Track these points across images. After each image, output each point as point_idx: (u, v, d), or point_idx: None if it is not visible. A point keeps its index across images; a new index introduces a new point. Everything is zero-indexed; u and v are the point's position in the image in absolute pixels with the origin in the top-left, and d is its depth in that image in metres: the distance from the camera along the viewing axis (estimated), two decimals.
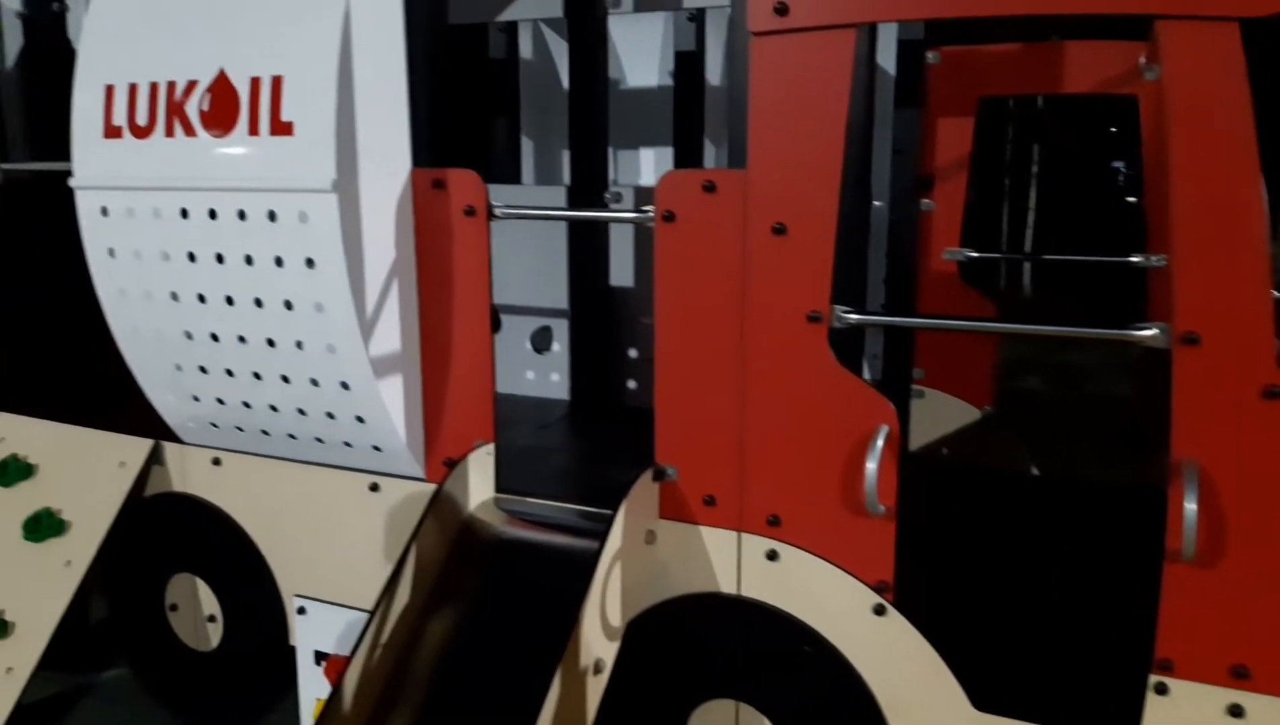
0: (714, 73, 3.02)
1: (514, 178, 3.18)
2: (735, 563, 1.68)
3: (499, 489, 1.87)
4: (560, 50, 3.20)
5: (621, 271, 2.58)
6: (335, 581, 2.03)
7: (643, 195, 2.59)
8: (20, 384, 2.44)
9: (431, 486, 1.89)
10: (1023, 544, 2.12)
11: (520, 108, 3.18)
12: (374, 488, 1.97)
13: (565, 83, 3.18)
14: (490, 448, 1.85)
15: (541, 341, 2.67)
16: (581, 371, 2.61)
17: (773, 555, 1.65)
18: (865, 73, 2.23)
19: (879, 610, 1.59)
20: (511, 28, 3.08)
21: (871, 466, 1.50)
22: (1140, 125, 2.44)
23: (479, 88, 3.10)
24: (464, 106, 3.05)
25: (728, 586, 1.70)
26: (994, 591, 1.91)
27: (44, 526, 2.12)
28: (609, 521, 1.60)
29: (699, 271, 1.63)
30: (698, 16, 2.85)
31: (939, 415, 2.55)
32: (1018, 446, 2.62)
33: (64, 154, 3.00)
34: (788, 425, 1.60)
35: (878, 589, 1.58)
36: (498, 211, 1.81)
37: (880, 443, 1.52)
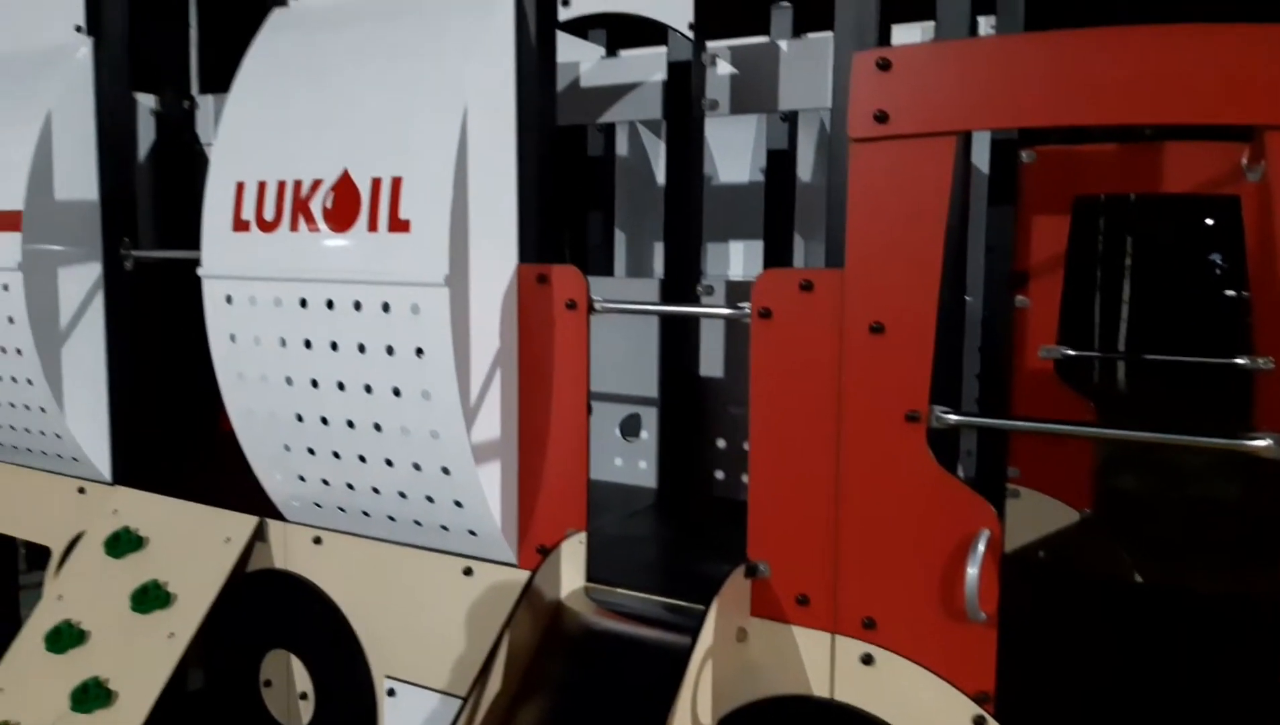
0: (804, 170, 3.09)
1: (607, 270, 3.27)
2: (829, 665, 1.66)
3: (589, 578, 1.88)
4: (655, 148, 3.32)
5: (711, 362, 2.61)
6: (425, 664, 2.05)
7: (734, 288, 2.64)
8: (138, 459, 2.57)
9: (523, 573, 1.92)
10: (1128, 656, 2.04)
11: (615, 203, 3.29)
12: (468, 572, 2.01)
13: (659, 179, 3.29)
14: (582, 536, 1.88)
15: (630, 429, 2.70)
16: (669, 460, 2.63)
17: (868, 659, 1.62)
18: (961, 173, 2.26)
19: (979, 721, 1.54)
20: (609, 128, 3.20)
21: (973, 572, 1.48)
22: (1243, 226, 2.40)
23: (577, 184, 3.22)
24: (564, 203, 3.18)
25: (820, 690, 1.67)
26: (1097, 705, 1.83)
27: (151, 598, 2.20)
28: (701, 617, 1.60)
29: (795, 368, 1.65)
30: (790, 118, 2.93)
31: (1036, 517, 2.49)
32: (1119, 552, 2.53)
33: (187, 242, 3.21)
34: (884, 526, 1.59)
35: (978, 699, 1.54)
36: (598, 306, 1.86)
37: (981, 547, 1.49)
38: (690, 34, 2.42)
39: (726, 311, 1.82)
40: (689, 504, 2.57)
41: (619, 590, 1.86)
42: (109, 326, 2.55)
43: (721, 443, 2.60)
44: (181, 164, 3.29)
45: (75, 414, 2.53)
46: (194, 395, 3.06)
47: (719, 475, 2.61)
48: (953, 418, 1.56)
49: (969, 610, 1.49)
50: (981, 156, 2.45)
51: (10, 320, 2.46)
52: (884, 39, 1.68)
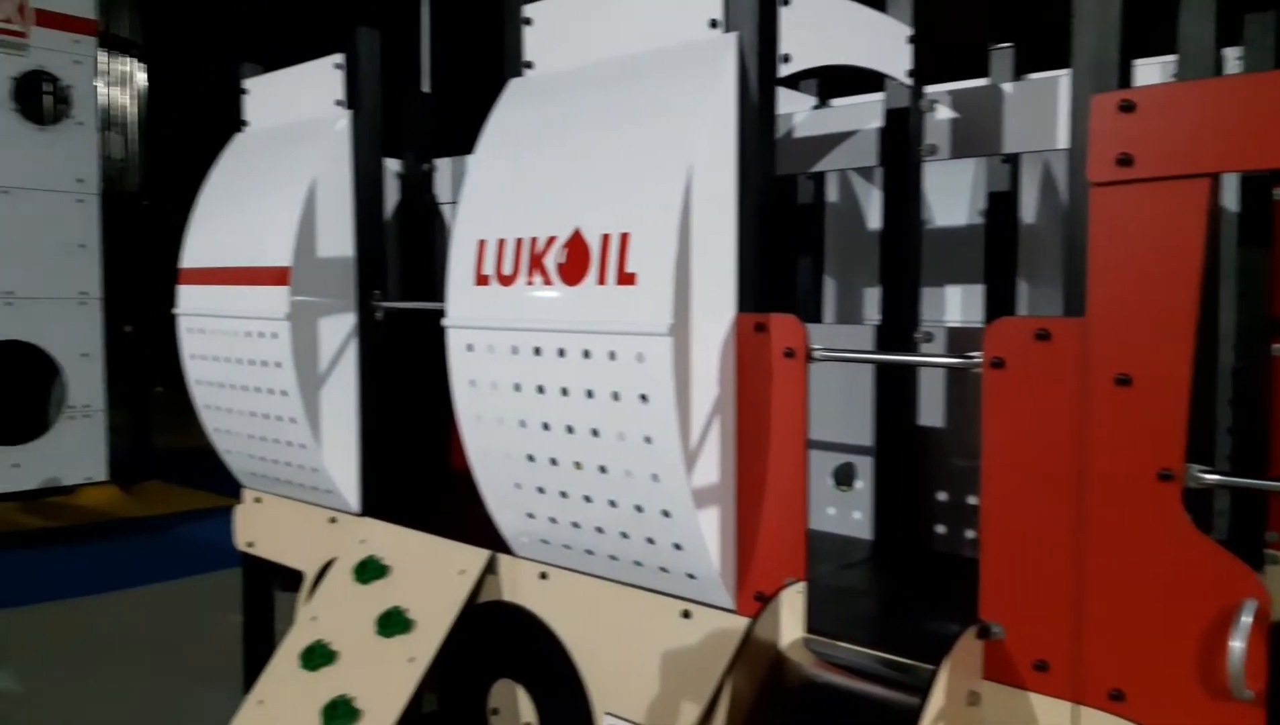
0: (1028, 212, 2.97)
1: (816, 316, 3.26)
2: None
3: (809, 629, 1.87)
4: (866, 194, 3.29)
5: (931, 411, 2.54)
6: (642, 703, 2.09)
7: (954, 336, 2.57)
8: (383, 492, 2.79)
9: (741, 619, 1.93)
10: None
11: (825, 250, 3.29)
12: (686, 615, 2.04)
13: (870, 225, 3.26)
14: (801, 586, 1.87)
15: (844, 477, 2.67)
16: (886, 511, 2.57)
17: None
18: (1213, 215, 2.12)
19: None
20: (819, 176, 3.22)
21: (1237, 645, 1.36)
22: None
23: (786, 232, 3.25)
24: (777, 251, 3.21)
25: None
26: None
27: (394, 623, 2.37)
28: (930, 677, 1.55)
29: (1032, 421, 1.59)
30: (1012, 160, 2.84)
31: None
32: None
33: (426, 292, 3.47)
34: (1134, 590, 1.49)
35: None
36: (816, 354, 1.87)
37: (1247, 618, 1.37)
38: (909, 80, 2.40)
39: (954, 361, 1.77)
40: (908, 558, 2.50)
41: (841, 643, 1.84)
42: (361, 371, 2.80)
43: (943, 495, 2.52)
44: (421, 221, 3.58)
45: (330, 449, 2.79)
46: (429, 433, 3.30)
47: (940, 529, 2.52)
48: (1212, 477, 1.46)
49: (1233, 687, 1.37)
50: (1230, 195, 2.29)
51: (278, 364, 2.75)
52: (1125, 79, 1.61)
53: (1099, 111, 1.51)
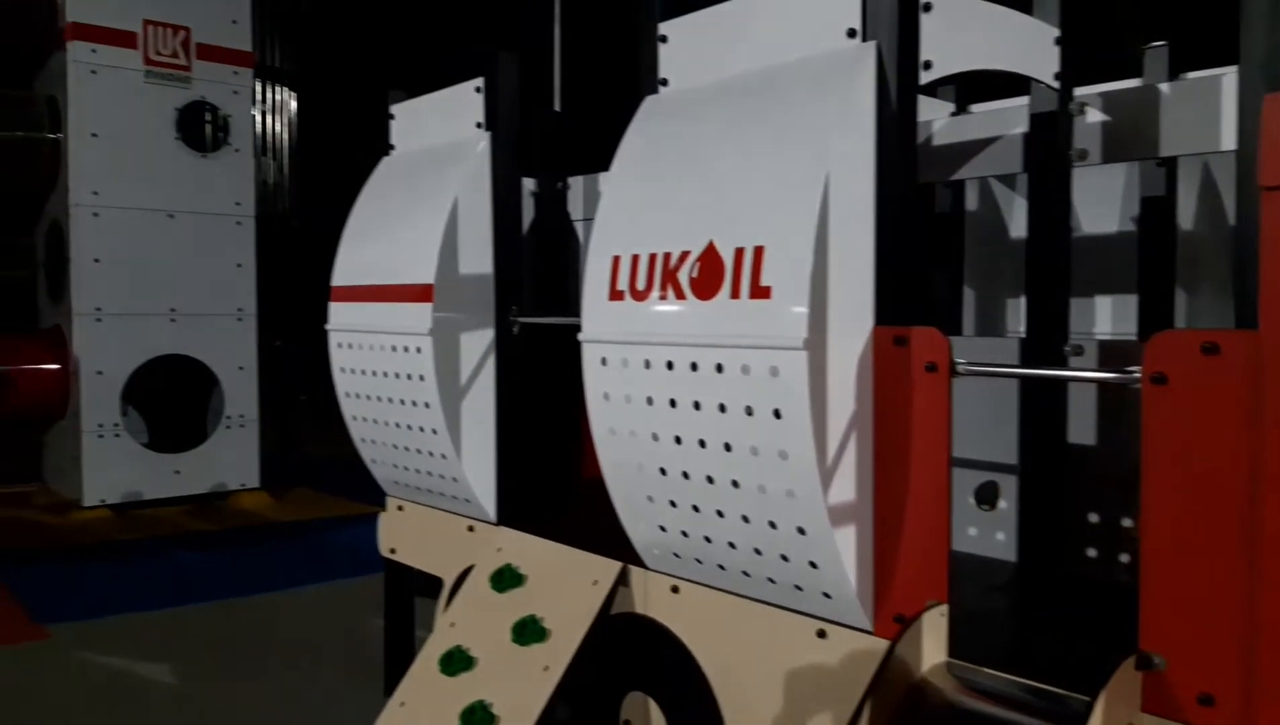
0: (1185, 218, 2.81)
1: (955, 329, 3.16)
2: None
3: (951, 654, 1.81)
4: (1008, 202, 3.18)
5: (1081, 428, 2.42)
6: (777, 722, 2.07)
7: (1106, 349, 2.45)
8: (519, 502, 2.85)
9: (879, 641, 1.88)
10: None
11: (964, 260, 3.19)
12: (821, 634, 2.01)
13: (1013, 233, 3.14)
14: (944, 609, 1.81)
15: (986, 496, 2.57)
16: (1032, 533, 2.46)
17: None
18: None
19: None
20: (957, 184, 3.12)
21: None
22: None
23: (925, 243, 3.17)
24: (915, 263, 3.14)
25: None
26: None
27: (529, 632, 2.42)
28: (1086, 709, 1.48)
29: (1198, 440, 1.50)
30: (1167, 163, 2.69)
31: None
32: None
33: (558, 307, 3.54)
34: None
35: None
36: (960, 368, 1.81)
37: None
38: (1056, 83, 2.31)
39: (1110, 376, 1.69)
40: (1056, 582, 2.39)
41: (985, 669, 1.77)
42: (498, 384, 2.88)
43: (1094, 517, 2.39)
44: (556, 239, 3.66)
45: (469, 460, 2.87)
46: (563, 444, 3.36)
47: (1091, 553, 2.40)
48: None
49: None
50: None
51: (421, 378, 2.86)
52: None
53: (1271, 112, 1.41)
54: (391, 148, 3.40)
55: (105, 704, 3.66)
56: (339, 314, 3.22)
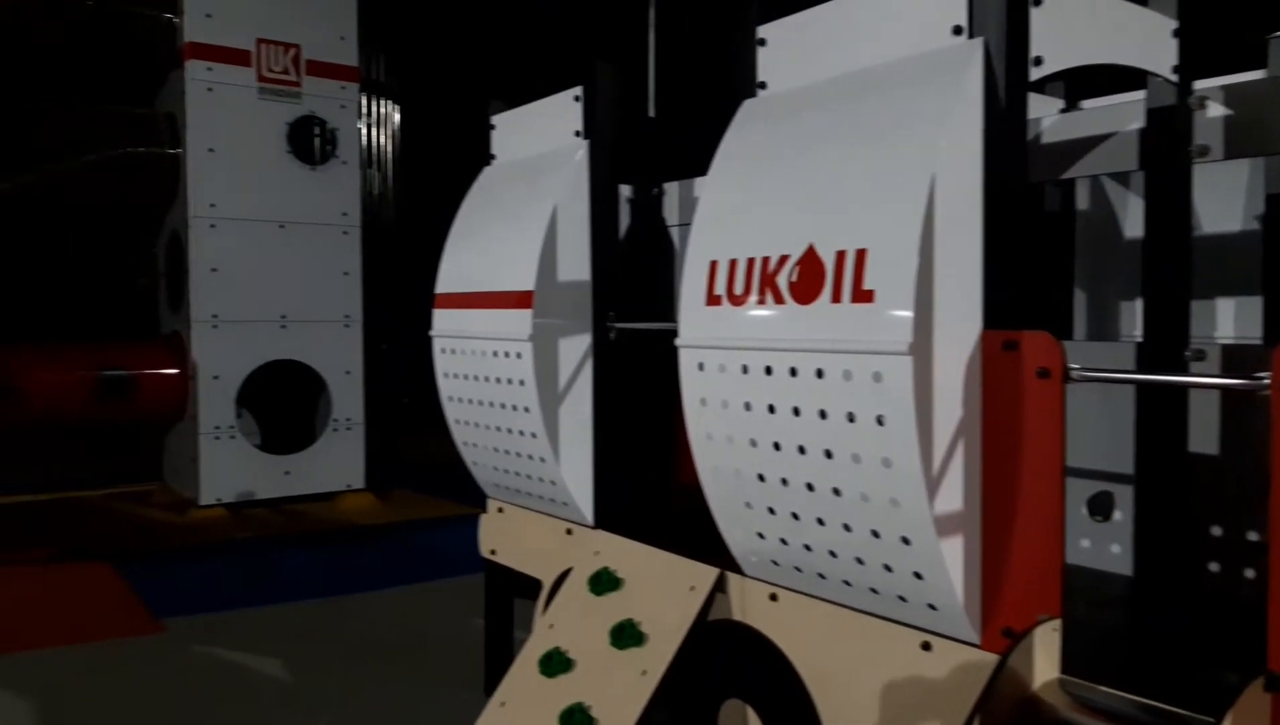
0: None
1: (1065, 333, 3.05)
2: None
3: (1064, 670, 1.74)
4: (1122, 201, 3.06)
5: (1204, 437, 2.31)
6: None
7: (1230, 353, 2.33)
8: (616, 506, 2.87)
9: (987, 655, 1.83)
10: None
11: (1074, 261, 3.08)
12: (925, 647, 1.96)
13: (1128, 233, 3.02)
14: (1056, 623, 1.75)
15: (1100, 508, 2.47)
16: (1149, 546, 2.36)
17: None
18: None
19: None
20: (1067, 183, 3.02)
21: None
22: None
23: (1034, 244, 3.07)
24: (1024, 265, 3.06)
25: None
26: None
27: (627, 636, 2.43)
28: None
29: None
30: None
31: None
32: None
33: (653, 313, 3.55)
34: None
35: None
36: (1074, 374, 1.75)
37: None
38: (1174, 77, 2.21)
39: (1235, 382, 1.60)
40: (1175, 597, 2.28)
41: (1101, 688, 1.70)
42: (596, 389, 2.91)
43: (1217, 530, 2.28)
44: (651, 244, 3.67)
45: (568, 463, 2.91)
46: (659, 448, 3.36)
47: (1213, 567, 2.28)
48: None
49: None
50: None
51: (521, 382, 2.91)
52: None
53: None
54: (492, 158, 3.46)
55: (217, 697, 3.83)
56: (442, 320, 3.30)
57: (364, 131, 8.03)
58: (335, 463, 7.64)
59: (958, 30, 1.90)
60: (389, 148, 8.56)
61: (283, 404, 7.75)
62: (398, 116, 8.70)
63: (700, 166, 2.33)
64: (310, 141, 7.53)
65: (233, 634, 4.50)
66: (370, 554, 6.22)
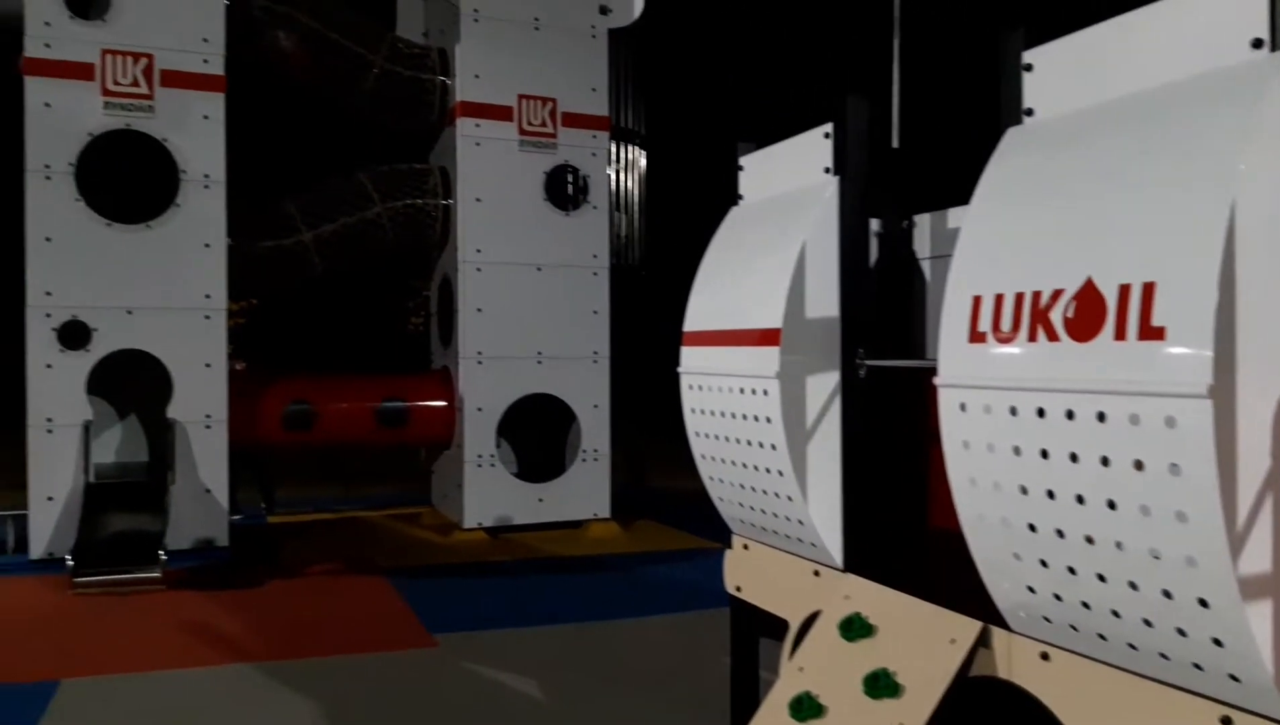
0: None
1: None
2: None
3: None
4: None
5: None
6: None
7: None
8: (866, 549, 2.79)
9: None
10: None
11: None
12: (1226, 721, 1.75)
13: None
14: None
15: None
16: None
17: None
18: None
19: None
20: None
21: None
22: None
23: None
24: None
25: None
26: None
27: (882, 685, 2.34)
28: None
29: None
30: None
31: None
32: None
33: (901, 349, 3.44)
34: None
35: None
36: None
37: None
38: None
39: None
40: None
41: None
42: (845, 427, 2.85)
43: None
44: (901, 278, 3.57)
45: (816, 503, 2.86)
46: (909, 491, 3.24)
47: None
48: None
49: None
50: None
51: (768, 420, 2.90)
52: None
53: None
54: (740, 198, 3.51)
55: (483, 710, 4.07)
56: (690, 357, 3.37)
57: (612, 176, 8.41)
58: (583, 492, 7.97)
59: (1257, 44, 1.73)
60: (636, 191, 8.90)
61: (537, 435, 8.20)
62: (644, 161, 9.04)
63: (953, 196, 2.25)
64: (564, 188, 7.99)
65: (493, 653, 4.78)
66: (617, 582, 6.41)
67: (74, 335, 6.58)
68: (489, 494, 7.72)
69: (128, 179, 6.71)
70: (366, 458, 10.20)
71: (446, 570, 6.70)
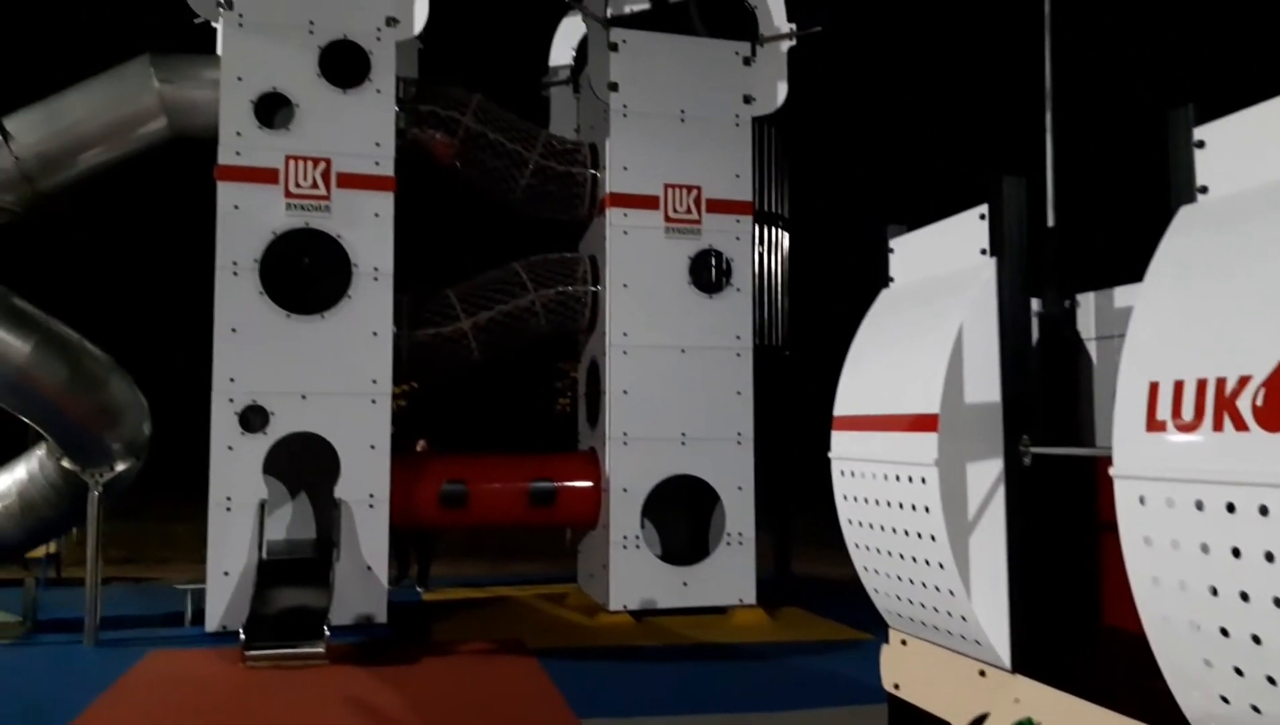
0: None
1: None
2: None
3: None
4: None
5: None
6: None
7: None
8: (1037, 650, 2.63)
9: None
10: None
11: None
12: None
13: None
14: None
15: None
16: None
17: None
18: None
19: None
20: None
21: None
22: None
23: None
24: None
25: None
26: None
27: None
28: None
29: None
30: None
31: None
32: None
33: (1070, 436, 3.28)
34: None
35: None
36: None
37: None
38: None
39: None
40: None
41: None
42: (1009, 518, 2.73)
43: None
44: (1065, 360, 3.43)
45: (980, 598, 2.73)
46: (1079, 587, 3.06)
47: None
48: None
49: None
50: None
51: (927, 509, 2.81)
52: None
53: None
54: (890, 280, 3.48)
55: None
56: (841, 442, 3.32)
57: (755, 259, 8.46)
58: (728, 576, 7.85)
59: None
60: (778, 272, 8.92)
61: (681, 516, 8.17)
62: (787, 242, 9.07)
63: (1117, 275, 2.16)
64: (709, 272, 8.09)
65: None
66: (765, 672, 6.24)
67: (254, 419, 7.06)
68: (634, 576, 7.71)
69: (306, 273, 7.23)
70: (512, 533, 10.39)
71: (593, 653, 6.69)
